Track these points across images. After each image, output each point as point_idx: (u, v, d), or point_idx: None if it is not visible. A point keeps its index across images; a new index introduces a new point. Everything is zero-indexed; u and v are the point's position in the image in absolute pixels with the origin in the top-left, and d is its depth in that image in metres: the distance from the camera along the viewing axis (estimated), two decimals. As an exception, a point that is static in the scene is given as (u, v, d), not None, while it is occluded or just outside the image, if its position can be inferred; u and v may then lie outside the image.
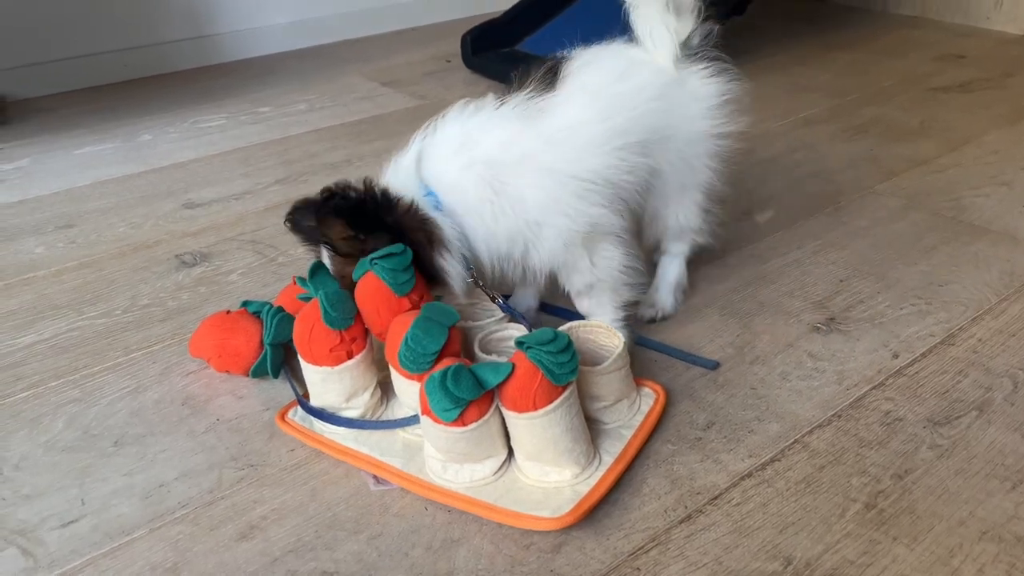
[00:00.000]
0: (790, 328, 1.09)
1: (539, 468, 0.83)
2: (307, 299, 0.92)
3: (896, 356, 1.03)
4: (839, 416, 0.93)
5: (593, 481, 0.83)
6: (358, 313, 0.91)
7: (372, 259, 0.89)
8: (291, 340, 1.01)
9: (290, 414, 0.96)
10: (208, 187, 1.62)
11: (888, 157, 1.62)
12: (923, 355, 1.03)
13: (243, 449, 0.92)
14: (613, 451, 0.87)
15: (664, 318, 1.12)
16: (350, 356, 0.90)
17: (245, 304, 1.06)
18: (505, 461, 0.85)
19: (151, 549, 0.79)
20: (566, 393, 0.80)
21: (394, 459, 0.88)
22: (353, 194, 0.91)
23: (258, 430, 0.95)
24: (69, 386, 1.04)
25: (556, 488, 0.82)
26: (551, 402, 0.79)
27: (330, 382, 0.92)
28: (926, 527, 0.78)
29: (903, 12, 2.68)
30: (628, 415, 0.92)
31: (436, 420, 0.79)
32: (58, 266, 1.34)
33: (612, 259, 0.99)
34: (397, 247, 0.89)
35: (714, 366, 1.01)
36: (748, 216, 1.40)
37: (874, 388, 0.97)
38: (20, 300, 1.24)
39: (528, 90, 0.96)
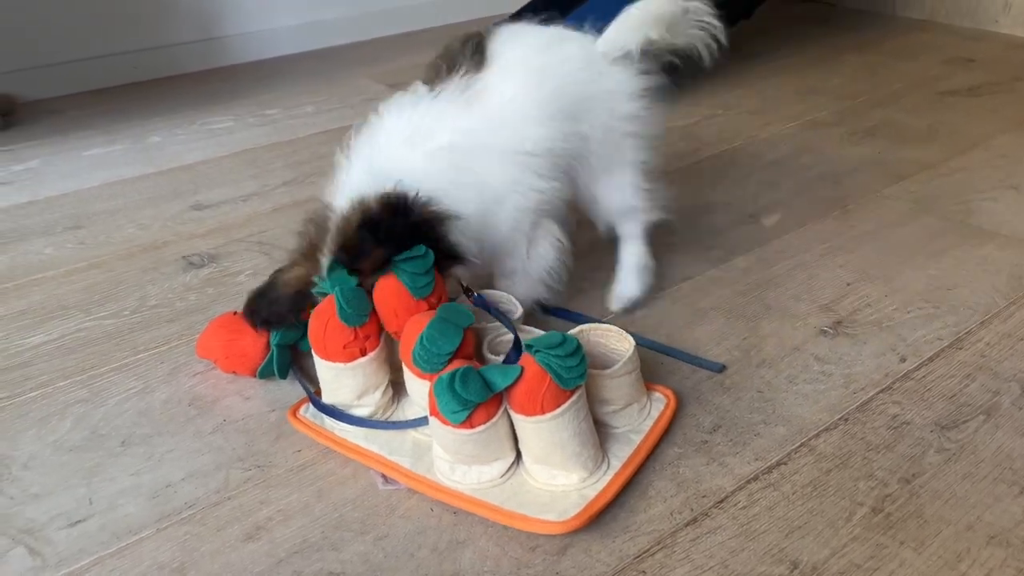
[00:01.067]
0: (797, 331, 1.09)
1: (547, 471, 0.83)
2: (323, 294, 0.92)
3: (903, 360, 1.03)
4: (846, 420, 0.93)
5: (600, 486, 0.83)
6: (373, 311, 0.91)
7: (395, 261, 0.89)
8: (299, 341, 1.01)
9: (302, 411, 0.96)
10: (216, 188, 1.63)
11: (896, 160, 1.62)
12: (931, 359, 1.02)
13: (250, 450, 0.92)
14: (622, 455, 0.87)
15: (635, 306, 1.14)
16: (363, 353, 0.90)
17: None
18: (513, 463, 0.85)
19: (158, 549, 0.80)
20: (574, 397, 0.80)
21: (403, 458, 0.88)
22: (378, 215, 0.89)
23: (265, 431, 0.95)
24: (77, 386, 1.04)
25: (563, 492, 0.82)
26: (559, 406, 0.79)
27: (342, 379, 0.92)
28: (933, 531, 0.78)
29: (912, 15, 2.67)
30: (638, 419, 0.91)
31: (444, 422, 0.79)
32: (67, 267, 1.35)
33: (545, 258, 1.04)
34: (419, 249, 0.89)
35: (720, 369, 1.01)
36: (755, 219, 1.40)
37: (881, 392, 0.97)
38: (29, 300, 1.25)
39: (461, 72, 0.98)
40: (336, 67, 2.41)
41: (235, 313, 1.04)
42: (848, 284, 1.19)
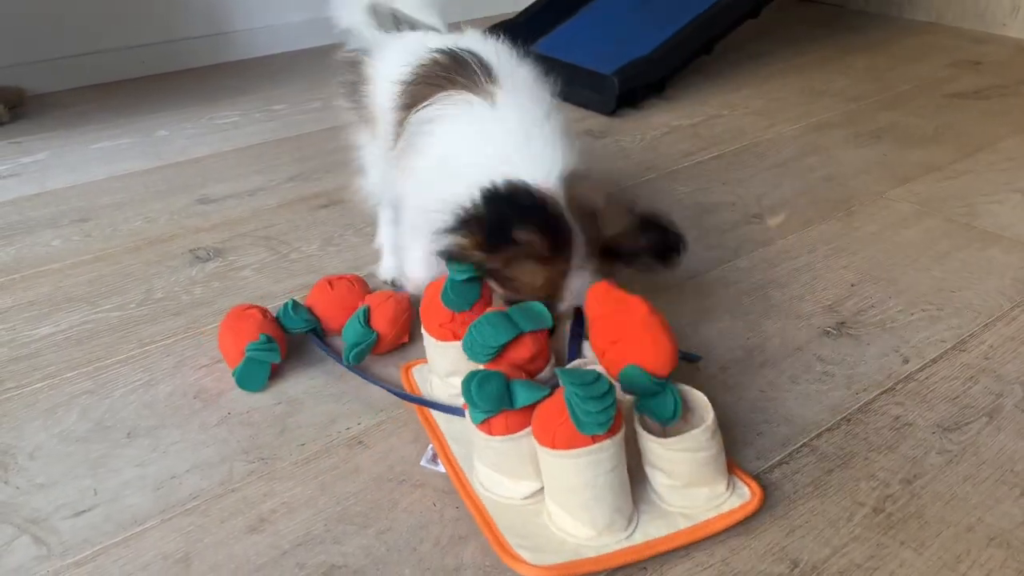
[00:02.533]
0: (800, 331, 1.09)
1: (557, 510, 0.77)
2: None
3: (907, 361, 1.03)
4: (848, 420, 0.93)
5: (603, 551, 0.75)
6: (479, 302, 0.91)
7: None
8: (308, 330, 1.05)
9: (415, 368, 1.02)
10: (223, 183, 1.63)
11: (902, 163, 1.62)
12: (934, 360, 1.03)
13: (254, 443, 0.93)
14: (652, 533, 0.77)
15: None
16: (455, 337, 0.90)
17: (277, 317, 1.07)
18: (540, 491, 0.80)
19: (162, 539, 0.80)
20: (595, 447, 0.72)
21: (458, 446, 0.88)
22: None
23: (269, 424, 0.95)
24: (83, 378, 1.05)
25: (562, 539, 0.76)
26: (572, 448, 0.72)
27: (434, 352, 0.94)
28: (934, 532, 0.78)
29: (919, 18, 2.67)
30: (702, 506, 0.79)
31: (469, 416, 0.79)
32: (74, 259, 1.36)
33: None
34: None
35: (697, 359, 1.01)
36: (759, 219, 1.40)
37: (884, 393, 0.97)
38: (37, 292, 1.26)
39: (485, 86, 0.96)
40: (343, 63, 2.41)
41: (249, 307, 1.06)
42: (852, 285, 1.19)
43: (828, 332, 1.09)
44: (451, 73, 0.96)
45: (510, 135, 0.89)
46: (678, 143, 1.75)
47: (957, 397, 0.96)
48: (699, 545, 0.77)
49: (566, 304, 0.86)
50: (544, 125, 0.89)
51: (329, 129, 1.91)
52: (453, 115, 0.92)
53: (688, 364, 1.02)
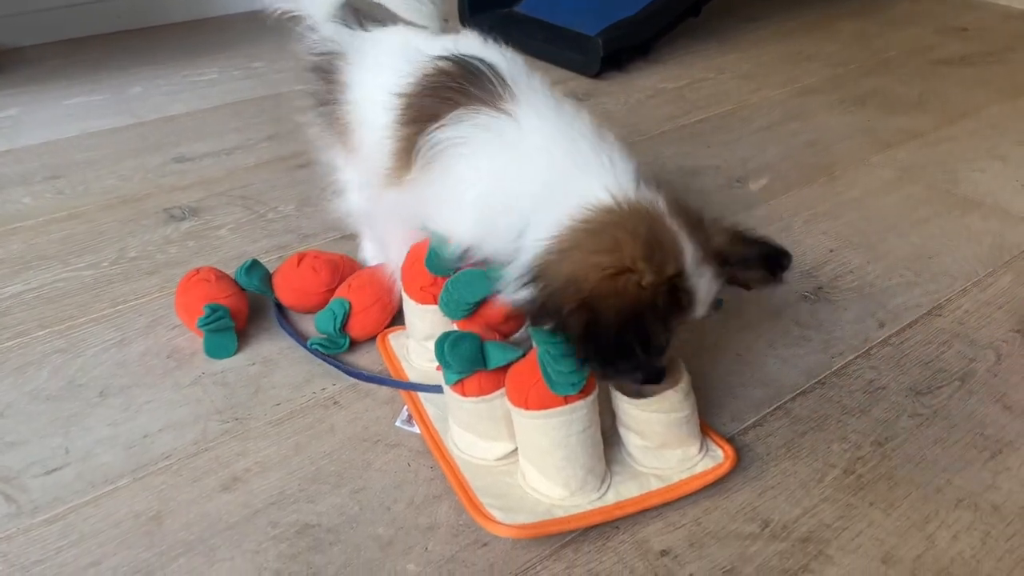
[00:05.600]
0: (778, 296, 1.09)
1: (531, 471, 0.77)
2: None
3: (882, 326, 1.03)
4: (823, 383, 0.94)
5: (575, 511, 0.75)
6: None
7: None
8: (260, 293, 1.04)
9: (392, 336, 1.00)
10: (199, 141, 1.60)
11: (885, 129, 1.61)
12: (909, 325, 1.03)
13: (228, 402, 0.92)
14: (624, 493, 0.77)
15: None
16: (436, 301, 0.88)
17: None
18: (514, 452, 0.80)
19: (134, 498, 0.80)
20: (567, 407, 0.72)
21: (433, 407, 0.88)
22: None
23: (244, 384, 0.95)
24: (55, 336, 1.04)
25: (536, 498, 0.77)
26: (544, 409, 0.72)
27: (413, 316, 0.93)
28: (903, 493, 0.79)
29: (908, -17, 2.64)
30: (676, 468, 0.79)
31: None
32: (45, 216, 1.33)
33: None
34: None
35: (719, 305, 0.97)
36: (742, 183, 1.40)
37: (859, 357, 0.98)
38: (7, 250, 1.23)
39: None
40: (324, 21, 2.36)
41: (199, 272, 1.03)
42: (831, 250, 1.19)
43: (806, 297, 1.09)
44: (464, 85, 0.83)
45: (562, 152, 0.77)
46: (663, 106, 1.73)
47: (931, 361, 0.97)
48: (671, 505, 0.78)
49: (700, 313, 0.74)
50: (587, 134, 0.79)
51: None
52: (484, 140, 0.80)
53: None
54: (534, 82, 0.85)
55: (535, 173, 0.76)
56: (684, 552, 0.74)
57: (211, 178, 1.45)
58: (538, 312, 0.70)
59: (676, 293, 0.69)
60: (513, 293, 0.71)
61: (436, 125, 0.81)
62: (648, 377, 0.76)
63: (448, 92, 0.83)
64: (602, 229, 0.70)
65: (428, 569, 0.72)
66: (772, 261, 0.77)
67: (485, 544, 0.75)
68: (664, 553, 0.74)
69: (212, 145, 1.58)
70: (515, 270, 0.71)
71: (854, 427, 0.87)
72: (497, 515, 0.75)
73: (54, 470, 0.83)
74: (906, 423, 0.88)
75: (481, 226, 0.77)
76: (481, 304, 0.81)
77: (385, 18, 1.04)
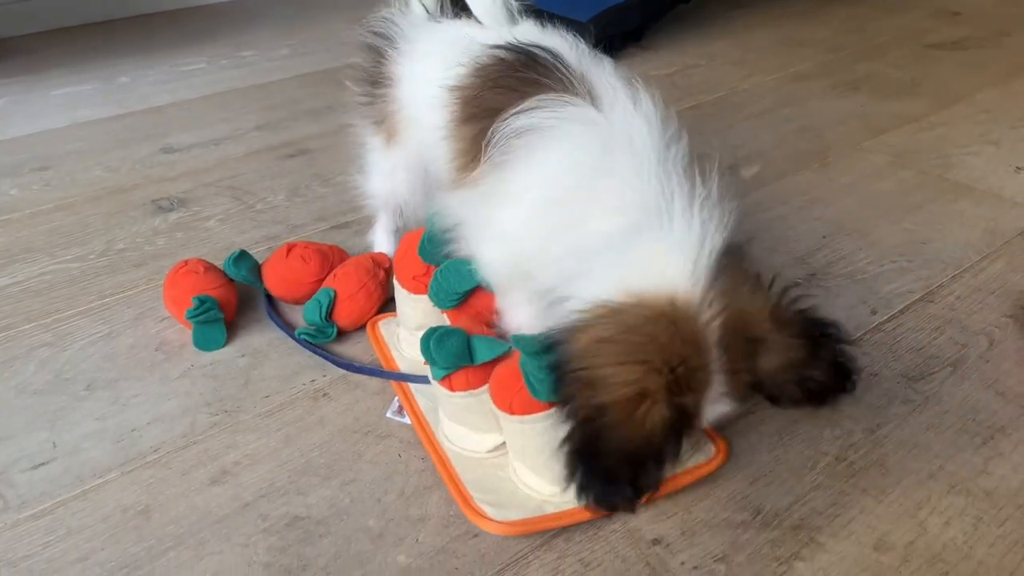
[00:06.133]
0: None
1: (522, 467, 0.77)
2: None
3: (874, 312, 1.03)
4: (815, 371, 0.93)
5: (567, 507, 0.74)
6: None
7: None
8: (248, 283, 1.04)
9: (382, 323, 1.00)
10: (187, 132, 1.59)
11: (878, 114, 1.60)
12: (901, 311, 1.03)
13: (217, 395, 0.91)
14: None
15: None
16: (427, 290, 0.88)
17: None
18: (504, 445, 0.79)
19: (123, 491, 0.79)
20: (552, 411, 0.69)
21: (424, 399, 0.87)
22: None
23: (233, 376, 0.94)
24: (41, 329, 1.03)
25: (527, 495, 0.76)
26: (528, 414, 0.72)
27: (405, 305, 0.92)
28: (895, 480, 0.79)
29: (901, -33, 2.63)
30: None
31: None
32: (32, 208, 1.32)
33: None
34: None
35: None
36: (734, 170, 1.39)
37: (851, 343, 0.97)
38: (-7, 243, 1.22)
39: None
40: (313, 9, 2.34)
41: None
42: (824, 237, 1.19)
43: (798, 283, 1.08)
44: (531, 73, 0.74)
45: (652, 183, 0.65)
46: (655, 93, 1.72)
47: (923, 347, 0.96)
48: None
49: (698, 428, 0.68)
50: (682, 159, 0.68)
51: (298, 77, 1.86)
52: (565, 131, 0.69)
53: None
54: (616, 80, 0.74)
55: (619, 200, 0.64)
56: (676, 540, 0.74)
57: (199, 168, 1.44)
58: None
59: (682, 428, 0.63)
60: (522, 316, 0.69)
61: (512, 111, 0.71)
62: (623, 506, 0.67)
63: (515, 83, 0.75)
64: (642, 326, 0.60)
65: (419, 560, 0.72)
66: (826, 389, 0.68)
67: (476, 535, 0.74)
68: (656, 542, 0.74)
69: (200, 135, 1.57)
70: (539, 316, 0.65)
71: (846, 414, 0.87)
72: (489, 511, 0.74)
73: (41, 464, 0.83)
74: (898, 409, 0.87)
75: (530, 238, 0.67)
76: (470, 294, 0.80)
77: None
